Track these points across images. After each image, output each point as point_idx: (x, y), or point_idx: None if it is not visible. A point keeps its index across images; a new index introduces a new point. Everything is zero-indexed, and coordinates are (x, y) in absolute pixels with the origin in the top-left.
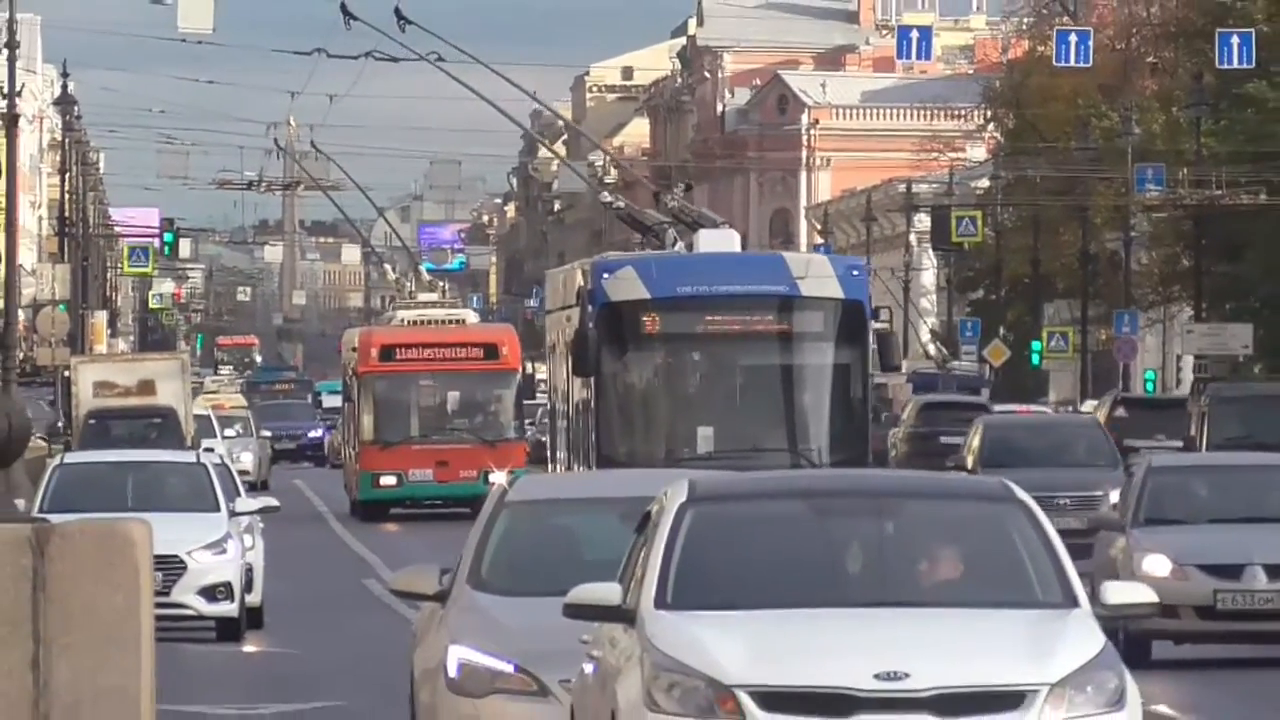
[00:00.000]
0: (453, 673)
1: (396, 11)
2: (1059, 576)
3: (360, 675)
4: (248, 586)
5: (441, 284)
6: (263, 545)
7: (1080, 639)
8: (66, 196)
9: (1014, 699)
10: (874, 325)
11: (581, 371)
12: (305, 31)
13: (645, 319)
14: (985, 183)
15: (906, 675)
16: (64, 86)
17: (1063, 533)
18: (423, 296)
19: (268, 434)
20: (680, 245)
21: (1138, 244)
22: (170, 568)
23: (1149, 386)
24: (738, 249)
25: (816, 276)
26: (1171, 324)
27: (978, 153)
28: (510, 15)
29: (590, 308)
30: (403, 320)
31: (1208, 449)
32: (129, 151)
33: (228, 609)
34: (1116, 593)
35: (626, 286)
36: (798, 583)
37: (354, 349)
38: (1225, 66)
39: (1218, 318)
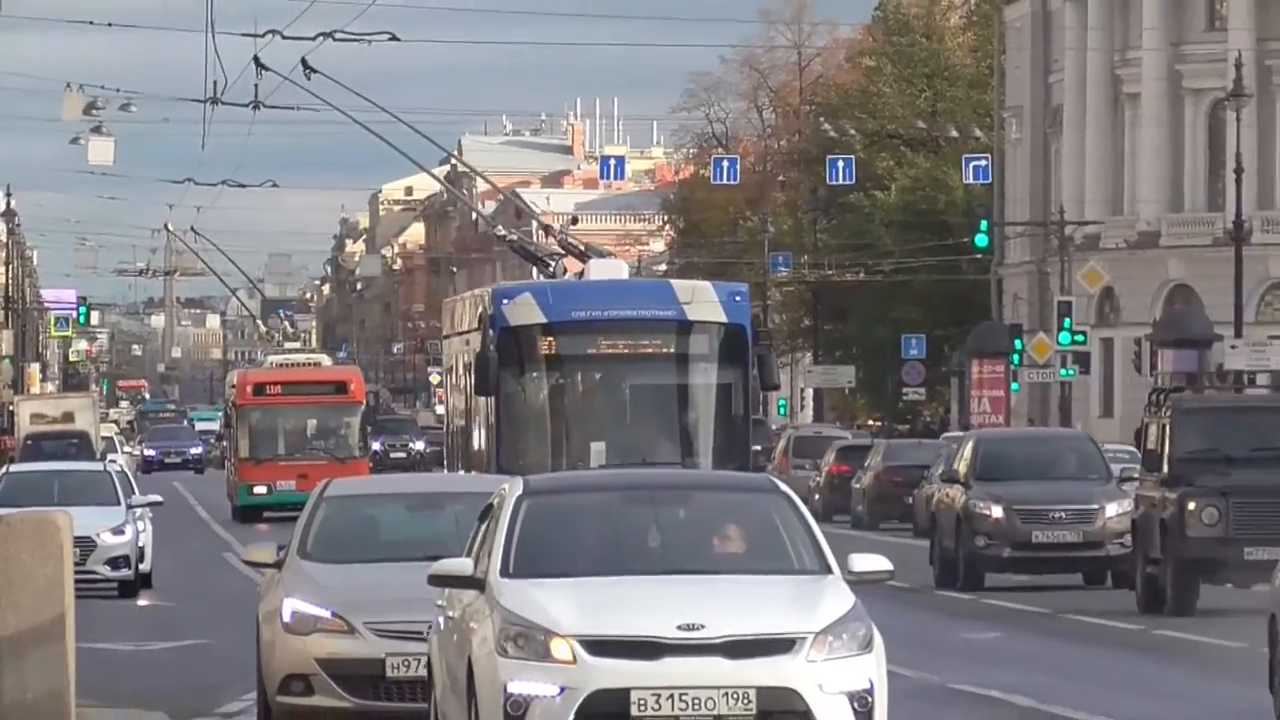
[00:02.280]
0: (287, 618)
1: (303, 61)
2: (815, 550)
3: (221, 621)
4: (140, 558)
5: (304, 334)
6: (151, 529)
7: (836, 597)
8: (9, 281)
9: (787, 644)
10: (754, 348)
11: (482, 391)
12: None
13: (542, 342)
14: (664, 267)
15: (703, 626)
16: (7, 203)
17: (1058, 545)
18: (289, 345)
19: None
20: (569, 275)
21: (773, 310)
22: (85, 545)
23: (781, 410)
24: (626, 277)
25: (701, 302)
26: (797, 366)
27: (658, 245)
28: (324, 150)
29: (491, 331)
30: (273, 363)
31: (1172, 462)
32: (54, 250)
33: (126, 574)
34: (859, 562)
35: (524, 311)
36: (612, 556)
37: (233, 386)
38: (833, 183)
39: (829, 361)
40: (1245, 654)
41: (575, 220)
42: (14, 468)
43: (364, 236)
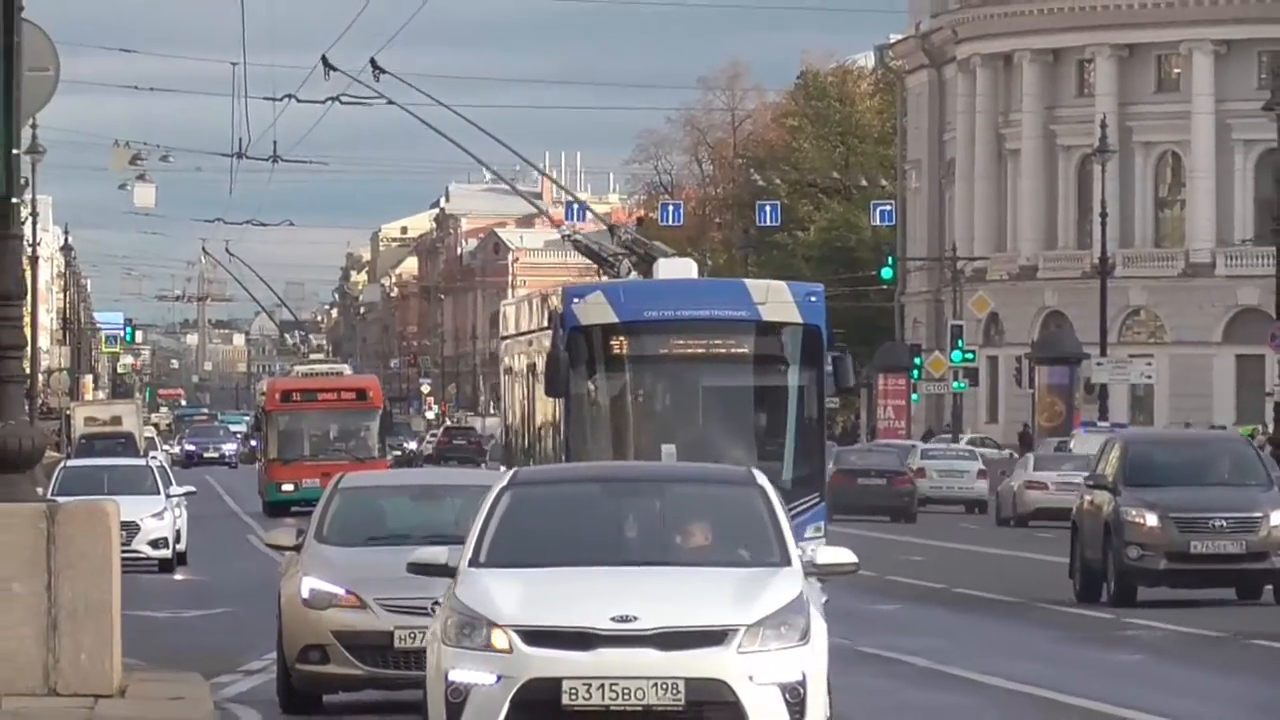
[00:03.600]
0: (305, 595)
1: (372, 62)
2: (779, 542)
3: (244, 594)
4: (176, 539)
5: (326, 347)
6: (185, 515)
7: (781, 589)
8: (66, 305)
9: (718, 636)
10: (829, 349)
11: (552, 392)
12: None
13: (613, 342)
14: None
15: (636, 618)
16: (65, 240)
17: (1219, 557)
18: (313, 357)
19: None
20: (634, 274)
21: None
22: (130, 529)
23: None
24: (695, 276)
25: (776, 301)
26: None
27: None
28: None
29: (561, 331)
30: (299, 372)
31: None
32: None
33: (164, 553)
34: (825, 555)
35: (595, 311)
36: (579, 547)
37: (263, 393)
38: (762, 225)
39: None
40: None
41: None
42: (70, 463)
43: (366, 268)
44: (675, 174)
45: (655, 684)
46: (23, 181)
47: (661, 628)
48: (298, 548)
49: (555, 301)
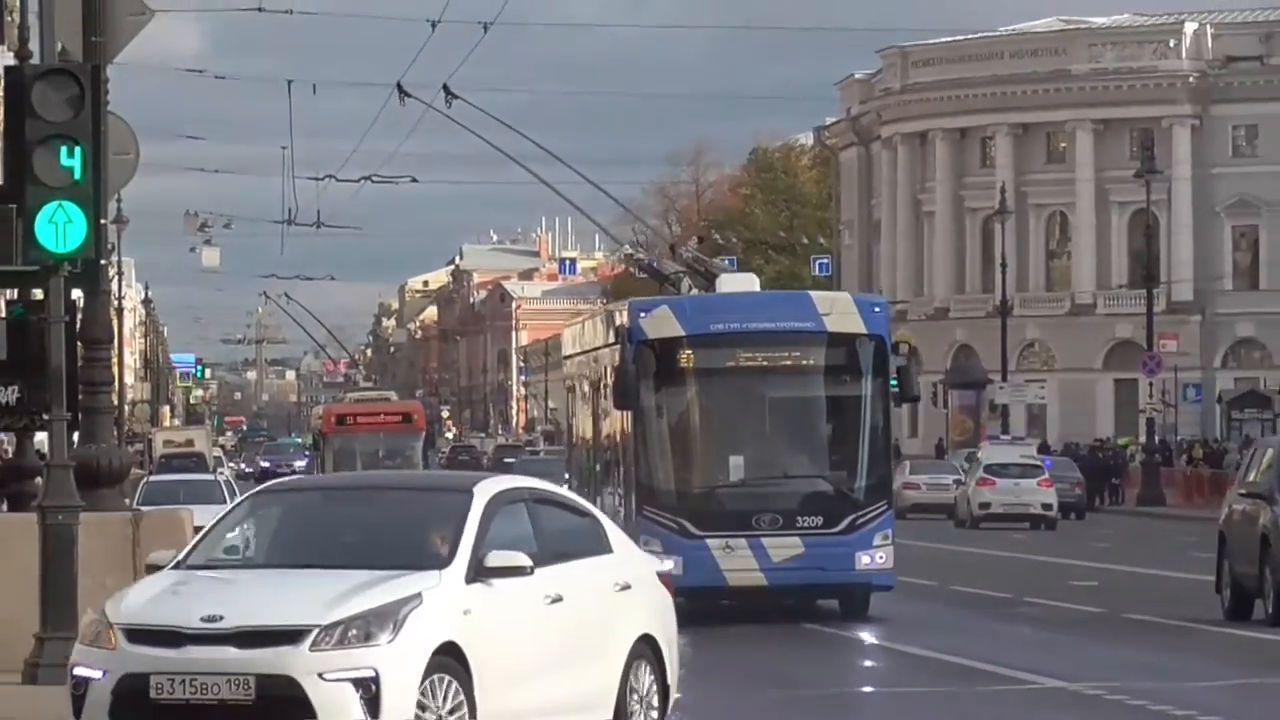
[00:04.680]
0: None
1: (445, 88)
2: (452, 545)
3: None
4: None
5: (375, 379)
6: None
7: (391, 591)
8: (148, 349)
9: (292, 635)
10: (894, 359)
11: (621, 405)
12: (266, 261)
13: (680, 355)
14: None
15: (222, 617)
16: (146, 294)
17: None
18: (363, 385)
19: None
20: (694, 290)
21: None
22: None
23: None
24: (757, 289)
25: (841, 313)
26: None
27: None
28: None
29: (628, 345)
30: (351, 399)
31: None
32: (178, 326)
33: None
34: (495, 559)
35: (662, 324)
36: (272, 550)
37: (320, 417)
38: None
39: None
40: None
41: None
42: (151, 479)
43: (395, 315)
44: (649, 235)
45: (229, 679)
46: (109, 247)
47: (240, 627)
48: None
49: (621, 318)
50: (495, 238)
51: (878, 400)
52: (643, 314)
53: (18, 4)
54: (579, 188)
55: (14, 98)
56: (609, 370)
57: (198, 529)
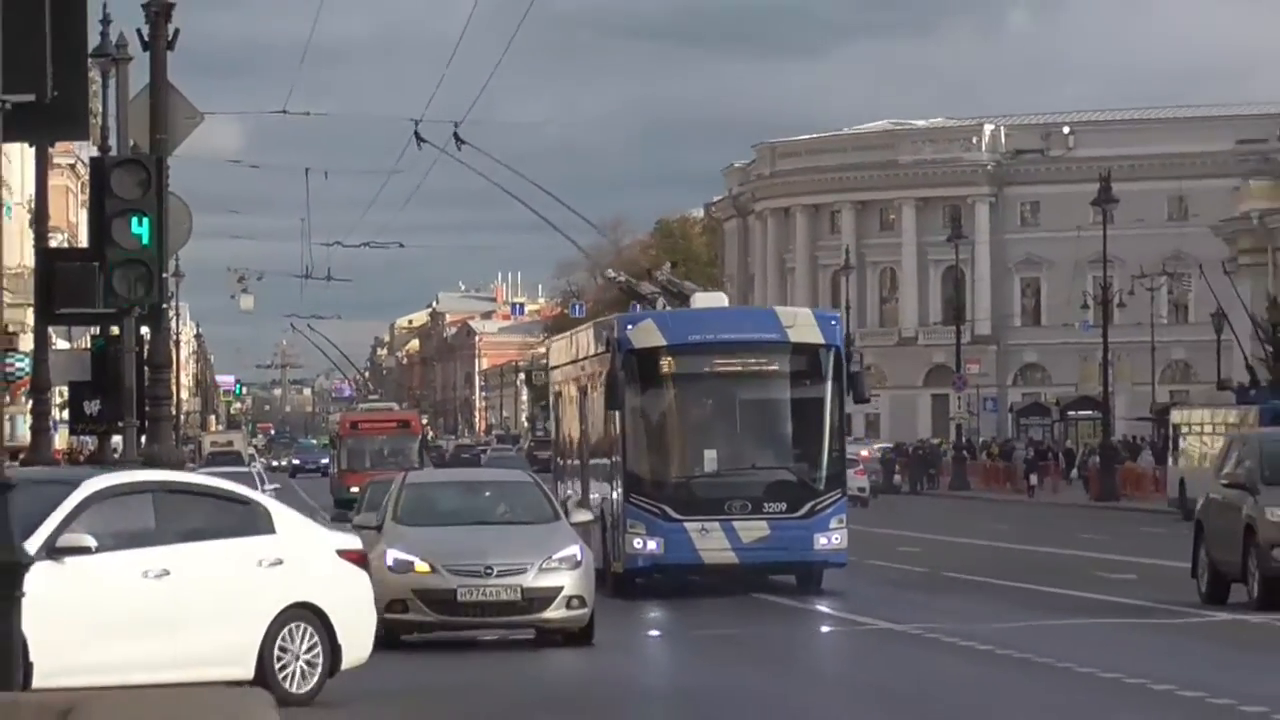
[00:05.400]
0: (389, 564)
1: (455, 135)
2: (35, 529)
3: None
4: None
5: (380, 393)
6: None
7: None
8: (199, 372)
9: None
10: (848, 366)
11: (611, 406)
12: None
13: (662, 362)
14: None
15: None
16: (197, 331)
17: None
18: (371, 399)
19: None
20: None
21: None
22: None
23: None
24: (726, 305)
25: (802, 325)
26: None
27: (540, 349)
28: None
29: (618, 353)
30: (361, 409)
31: None
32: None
33: None
34: (65, 539)
35: (646, 335)
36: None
37: (336, 423)
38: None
39: None
40: None
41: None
42: (199, 470)
43: (387, 346)
44: (580, 285)
45: None
46: (169, 295)
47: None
48: (379, 527)
49: (611, 330)
50: (463, 288)
51: (834, 402)
52: (630, 326)
53: (100, 109)
54: (521, 251)
55: (97, 180)
56: (599, 376)
57: None
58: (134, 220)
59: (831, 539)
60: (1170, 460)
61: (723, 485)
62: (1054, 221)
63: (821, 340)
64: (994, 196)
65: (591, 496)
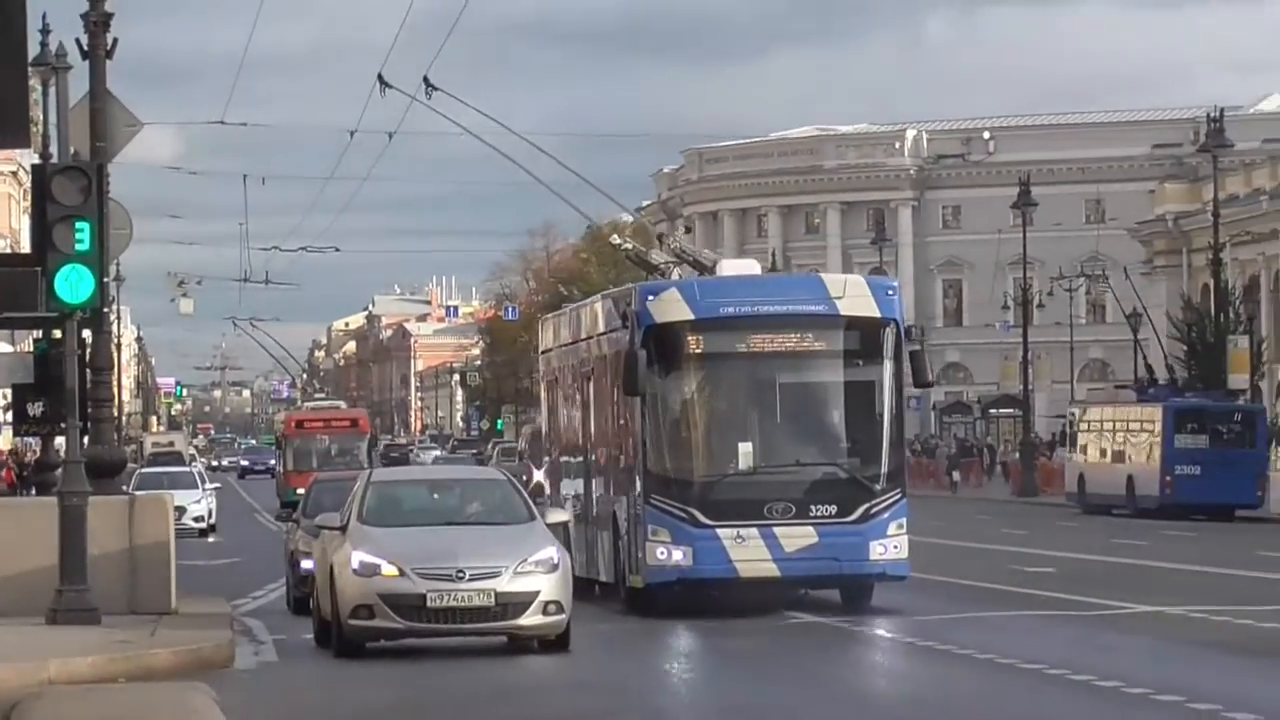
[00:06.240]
0: (355, 567)
1: (425, 80)
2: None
3: (252, 549)
4: (210, 516)
5: (326, 390)
6: (215, 501)
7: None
8: (140, 374)
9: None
10: (907, 344)
11: (629, 390)
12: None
13: (689, 339)
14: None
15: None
16: (138, 334)
17: None
18: (317, 396)
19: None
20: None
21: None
22: (180, 510)
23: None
24: (759, 273)
25: (853, 296)
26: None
27: (475, 352)
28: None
29: (637, 330)
30: (307, 407)
31: None
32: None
33: (202, 525)
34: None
35: (670, 308)
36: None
37: (282, 422)
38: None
39: None
40: None
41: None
42: (142, 470)
43: (324, 348)
44: (513, 288)
45: None
46: (110, 299)
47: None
48: (343, 528)
49: (628, 302)
50: (398, 290)
51: (891, 386)
52: (650, 297)
53: (41, 117)
54: (458, 255)
55: (39, 187)
56: (613, 357)
57: (178, 508)
58: (75, 226)
59: (890, 547)
60: (1069, 455)
61: (762, 485)
62: (975, 224)
63: (877, 314)
64: (916, 200)
65: (601, 499)
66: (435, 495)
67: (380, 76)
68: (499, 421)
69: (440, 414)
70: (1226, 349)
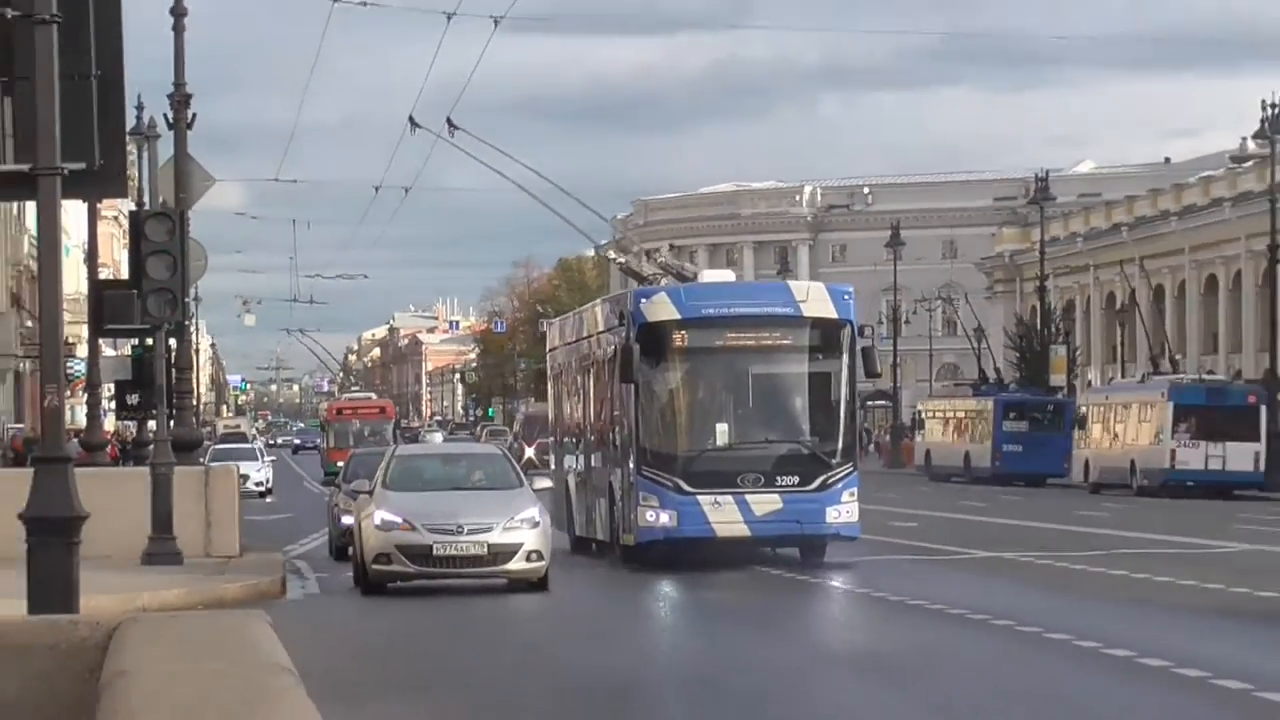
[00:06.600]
0: (377, 522)
1: (448, 121)
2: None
3: (300, 508)
4: (267, 483)
5: (359, 385)
6: (272, 471)
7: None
8: (215, 373)
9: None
10: (860, 341)
11: (625, 379)
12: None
13: (675, 335)
14: (474, 366)
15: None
16: (212, 342)
17: None
18: (354, 389)
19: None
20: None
21: (522, 376)
22: (244, 478)
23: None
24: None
25: (815, 300)
26: (530, 404)
27: (472, 356)
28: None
29: (632, 327)
30: (345, 398)
31: None
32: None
33: (262, 489)
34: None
35: (660, 309)
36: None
37: (325, 409)
38: (542, 331)
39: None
40: None
41: (427, 351)
42: (215, 447)
43: (356, 353)
44: (501, 308)
45: None
46: (190, 314)
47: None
48: (370, 491)
49: (625, 304)
50: (413, 309)
51: (846, 376)
52: (643, 300)
53: (137, 174)
54: (454, 280)
55: (135, 228)
56: (611, 351)
57: (243, 475)
58: (163, 258)
59: (843, 512)
60: (919, 437)
61: (735, 459)
62: (857, 259)
63: (835, 315)
64: (812, 240)
65: (599, 471)
66: (445, 466)
67: (411, 118)
68: (490, 410)
69: (445, 404)
70: (1049, 356)
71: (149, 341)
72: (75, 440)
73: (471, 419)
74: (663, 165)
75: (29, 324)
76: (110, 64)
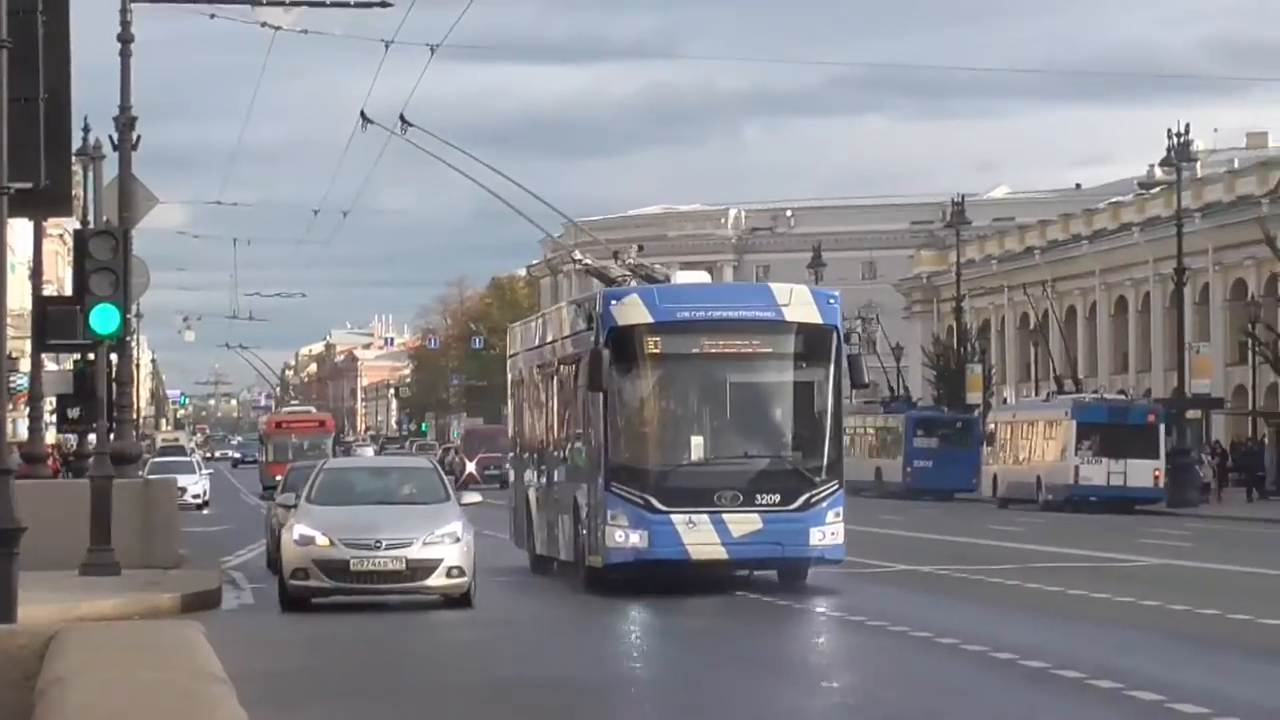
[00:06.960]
0: (295, 537)
1: (401, 117)
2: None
3: (237, 519)
4: (205, 494)
5: (297, 400)
6: (209, 483)
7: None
8: (155, 388)
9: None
10: (846, 348)
11: (593, 387)
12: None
13: (648, 340)
14: (408, 381)
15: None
16: (153, 358)
17: None
18: (293, 403)
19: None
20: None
21: (454, 390)
22: (182, 490)
23: (423, 429)
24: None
25: (798, 304)
26: (462, 417)
27: (408, 372)
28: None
29: (601, 331)
30: (284, 411)
31: None
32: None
33: (199, 501)
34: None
35: (632, 312)
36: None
37: (264, 422)
38: (476, 348)
39: (475, 414)
40: None
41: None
42: (154, 460)
43: (293, 369)
44: (434, 325)
45: None
46: (132, 330)
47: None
48: (294, 506)
49: (594, 306)
50: (349, 326)
51: (832, 386)
52: (614, 302)
53: (82, 193)
54: (395, 298)
55: (79, 246)
56: (578, 357)
57: (180, 488)
58: (106, 275)
59: (828, 534)
60: None
61: (712, 475)
62: (780, 280)
63: (820, 320)
64: (737, 261)
65: (563, 485)
66: (372, 479)
67: (363, 113)
68: (424, 425)
69: (380, 419)
70: (965, 374)
71: (90, 357)
72: (16, 453)
73: (405, 433)
74: (596, 189)
75: None
76: (58, 87)
